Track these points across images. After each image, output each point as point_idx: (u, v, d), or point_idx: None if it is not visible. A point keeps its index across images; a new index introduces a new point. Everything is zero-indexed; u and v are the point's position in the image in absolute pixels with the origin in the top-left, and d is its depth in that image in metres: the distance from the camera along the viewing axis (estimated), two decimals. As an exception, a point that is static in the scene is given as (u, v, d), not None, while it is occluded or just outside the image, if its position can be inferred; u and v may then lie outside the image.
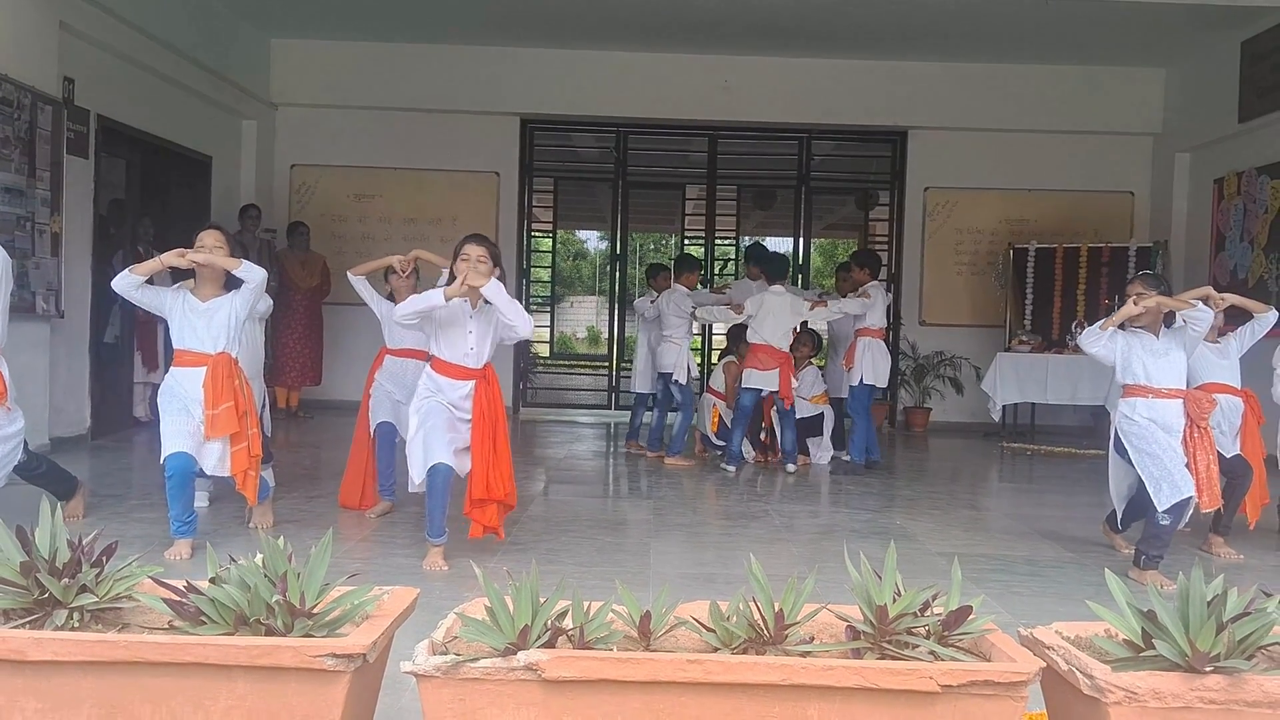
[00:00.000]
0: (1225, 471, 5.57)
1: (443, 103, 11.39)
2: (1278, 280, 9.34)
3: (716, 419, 8.89)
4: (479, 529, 5.05)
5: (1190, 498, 5.08)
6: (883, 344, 8.59)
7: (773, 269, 8.51)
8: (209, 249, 5.05)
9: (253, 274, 5.09)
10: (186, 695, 2.22)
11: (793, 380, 8.21)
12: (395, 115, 11.46)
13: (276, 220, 11.02)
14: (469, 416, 5.01)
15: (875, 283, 8.58)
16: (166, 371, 5.25)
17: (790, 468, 8.22)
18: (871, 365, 8.37)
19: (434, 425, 4.96)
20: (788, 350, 8.19)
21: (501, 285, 4.91)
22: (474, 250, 4.87)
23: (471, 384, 5.01)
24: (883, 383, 8.71)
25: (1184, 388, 5.24)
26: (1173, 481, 5.04)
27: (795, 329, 8.43)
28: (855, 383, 8.41)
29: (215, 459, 5.07)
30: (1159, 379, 5.15)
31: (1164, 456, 5.07)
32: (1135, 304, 5.14)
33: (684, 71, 11.39)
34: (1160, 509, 5.04)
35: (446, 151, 11.48)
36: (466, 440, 5.02)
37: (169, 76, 9.35)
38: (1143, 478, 5.14)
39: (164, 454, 5.01)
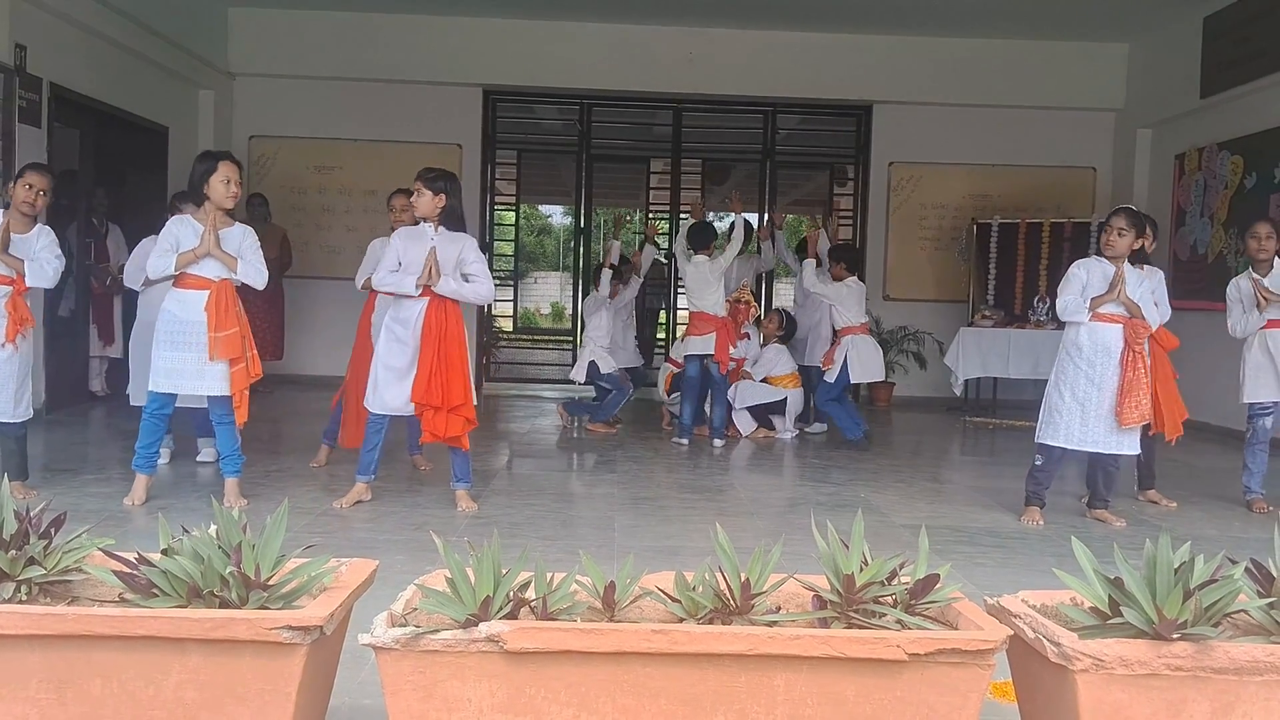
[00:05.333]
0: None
1: (404, 73, 11.24)
2: (1237, 255, 9.41)
3: (669, 382, 8.99)
4: (428, 434, 5.36)
5: (1062, 455, 5.63)
6: (869, 337, 8.46)
7: (693, 240, 8.48)
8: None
9: (252, 279, 5.31)
10: (138, 669, 2.16)
11: (736, 347, 8.28)
12: (356, 86, 11.30)
13: (235, 192, 10.84)
14: (418, 338, 5.31)
15: (852, 279, 8.42)
16: (125, 345, 5.32)
17: (717, 443, 8.14)
18: (860, 362, 8.22)
19: (388, 368, 5.34)
20: (724, 315, 8.20)
21: (450, 280, 5.29)
22: (410, 195, 5.42)
23: (425, 302, 5.29)
24: (878, 376, 8.62)
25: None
26: (1055, 425, 5.57)
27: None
28: (831, 380, 8.27)
29: (218, 379, 5.22)
30: (1108, 305, 5.49)
31: (1070, 400, 5.52)
32: (1117, 294, 5.46)
33: (648, 43, 11.30)
34: (1037, 440, 5.67)
35: (408, 123, 11.33)
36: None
37: (124, 45, 9.16)
38: (1043, 404, 5.68)
39: (151, 388, 5.24)
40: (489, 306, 12.80)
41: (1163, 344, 6.07)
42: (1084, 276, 5.60)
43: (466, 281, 5.41)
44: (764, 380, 8.68)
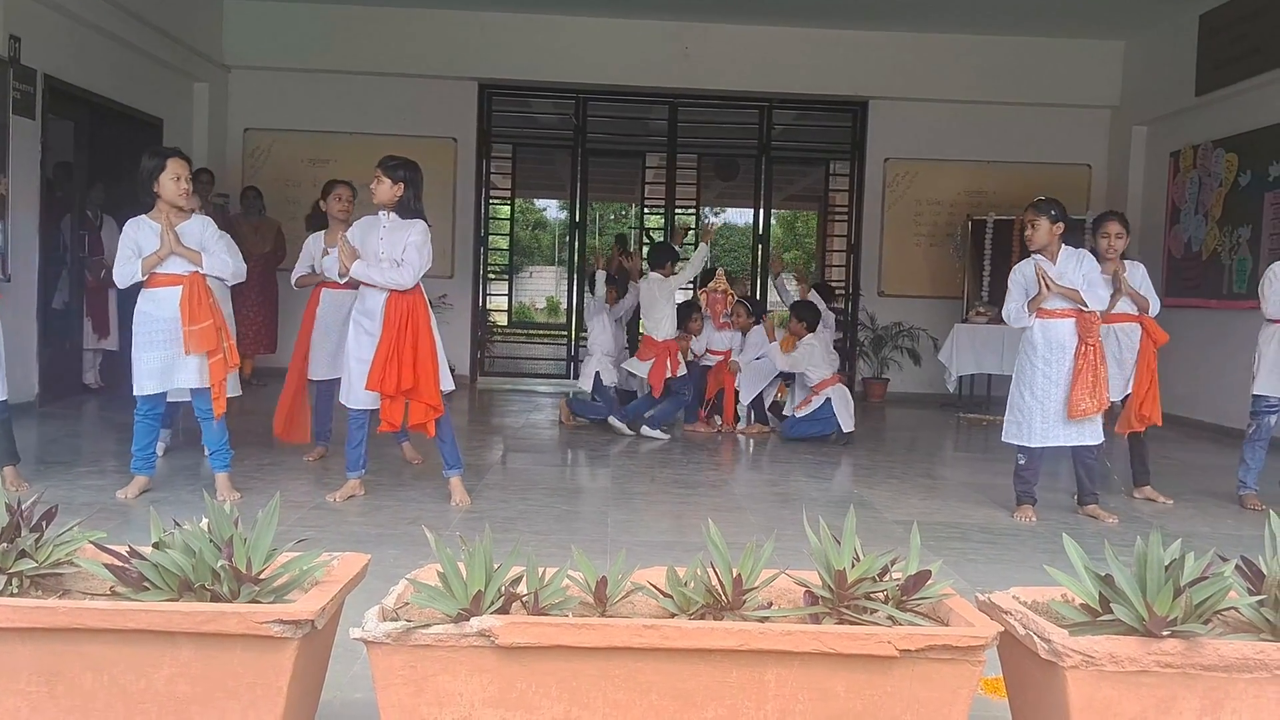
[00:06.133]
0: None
1: (400, 67, 11.22)
2: (1231, 253, 9.43)
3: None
4: (385, 424, 5.37)
5: (1043, 452, 5.63)
6: (843, 388, 8.33)
7: (652, 259, 8.46)
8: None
9: (219, 270, 5.32)
10: (129, 663, 2.16)
11: (675, 374, 8.26)
12: (351, 79, 11.29)
13: (229, 185, 10.83)
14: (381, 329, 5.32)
15: (810, 336, 8.28)
16: (120, 337, 5.33)
17: (648, 431, 8.24)
18: (845, 411, 8.15)
19: (360, 361, 5.35)
20: (671, 338, 8.20)
21: (365, 264, 5.31)
22: (375, 173, 5.37)
23: (385, 293, 5.30)
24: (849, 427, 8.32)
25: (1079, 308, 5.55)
26: (1019, 424, 5.65)
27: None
28: (800, 415, 8.21)
29: (194, 372, 5.22)
30: (1053, 301, 5.52)
31: (1030, 400, 5.56)
32: (1046, 288, 5.51)
33: (645, 38, 11.29)
34: (1003, 439, 5.75)
35: (403, 116, 11.32)
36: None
37: (119, 36, 9.13)
38: (1008, 404, 5.73)
39: (137, 391, 5.25)
40: (484, 301, 12.78)
41: (1155, 338, 6.10)
42: (1022, 280, 5.66)
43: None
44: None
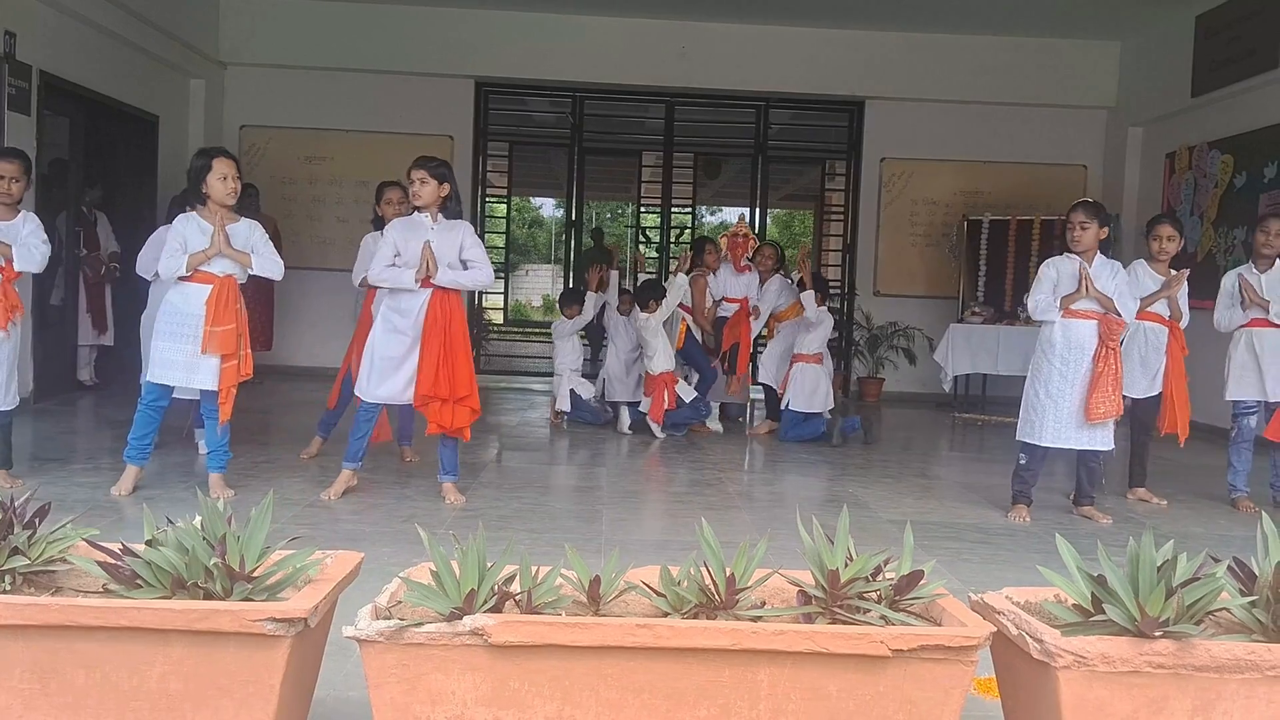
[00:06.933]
0: (1140, 416, 6.28)
1: (396, 64, 11.21)
2: (1226, 254, 9.44)
3: (684, 334, 8.76)
4: (434, 426, 5.35)
5: (1045, 453, 5.65)
6: (820, 367, 8.36)
7: (639, 296, 8.45)
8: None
9: (269, 272, 5.40)
10: (121, 660, 2.16)
11: (674, 407, 8.22)
12: (348, 76, 11.27)
13: (225, 182, 10.80)
14: (420, 329, 5.30)
15: (823, 309, 8.34)
16: (117, 333, 5.32)
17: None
18: (804, 393, 8.21)
19: (385, 358, 5.34)
20: (665, 372, 8.18)
21: (448, 270, 5.29)
22: (415, 174, 5.31)
23: (428, 294, 5.28)
24: (820, 408, 8.32)
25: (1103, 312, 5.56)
26: (1033, 423, 5.60)
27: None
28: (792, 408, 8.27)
29: (208, 374, 5.23)
30: (1082, 302, 5.50)
31: (1045, 399, 5.54)
32: (1085, 290, 5.49)
33: (641, 37, 11.29)
34: (1017, 438, 5.69)
35: (400, 114, 11.31)
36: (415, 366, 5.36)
37: (115, 32, 9.11)
38: (1022, 401, 5.70)
39: (147, 377, 5.28)
40: (480, 298, 12.79)
41: (1179, 347, 6.15)
42: (1054, 275, 5.63)
43: (465, 268, 5.40)
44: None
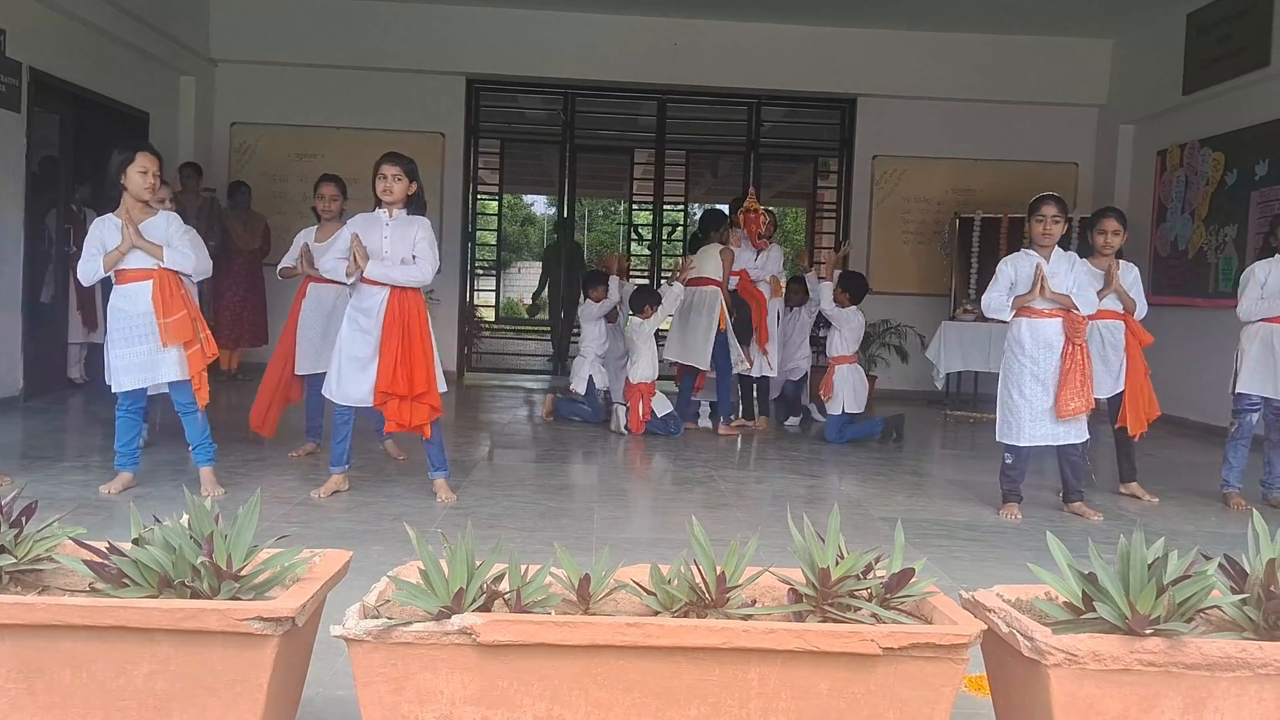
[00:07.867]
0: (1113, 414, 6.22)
1: (387, 61, 11.19)
2: (1217, 252, 9.46)
3: (724, 316, 8.61)
4: (392, 424, 5.34)
5: (1029, 452, 5.65)
6: (859, 368, 8.38)
7: (633, 301, 8.42)
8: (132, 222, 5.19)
9: (180, 265, 5.27)
10: (108, 659, 2.14)
11: (650, 418, 8.20)
12: (339, 73, 11.25)
13: (216, 180, 10.78)
14: (381, 327, 5.27)
15: (853, 308, 8.30)
16: (105, 331, 5.31)
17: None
18: (853, 394, 8.22)
19: (352, 358, 5.31)
20: (643, 381, 8.14)
21: (381, 266, 5.25)
22: (389, 170, 5.27)
23: (386, 292, 5.26)
24: (861, 408, 8.37)
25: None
26: (1010, 424, 5.62)
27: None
28: (836, 412, 8.21)
29: (174, 365, 5.21)
30: (1042, 301, 5.51)
31: (1018, 399, 5.56)
32: (1039, 292, 5.50)
33: (633, 33, 11.28)
34: (997, 439, 5.72)
35: (390, 111, 11.29)
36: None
37: (104, 29, 9.08)
38: (998, 403, 5.72)
39: (116, 388, 5.25)
40: (471, 296, 12.76)
41: (1140, 339, 6.11)
42: (1011, 273, 5.63)
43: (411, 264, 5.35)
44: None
